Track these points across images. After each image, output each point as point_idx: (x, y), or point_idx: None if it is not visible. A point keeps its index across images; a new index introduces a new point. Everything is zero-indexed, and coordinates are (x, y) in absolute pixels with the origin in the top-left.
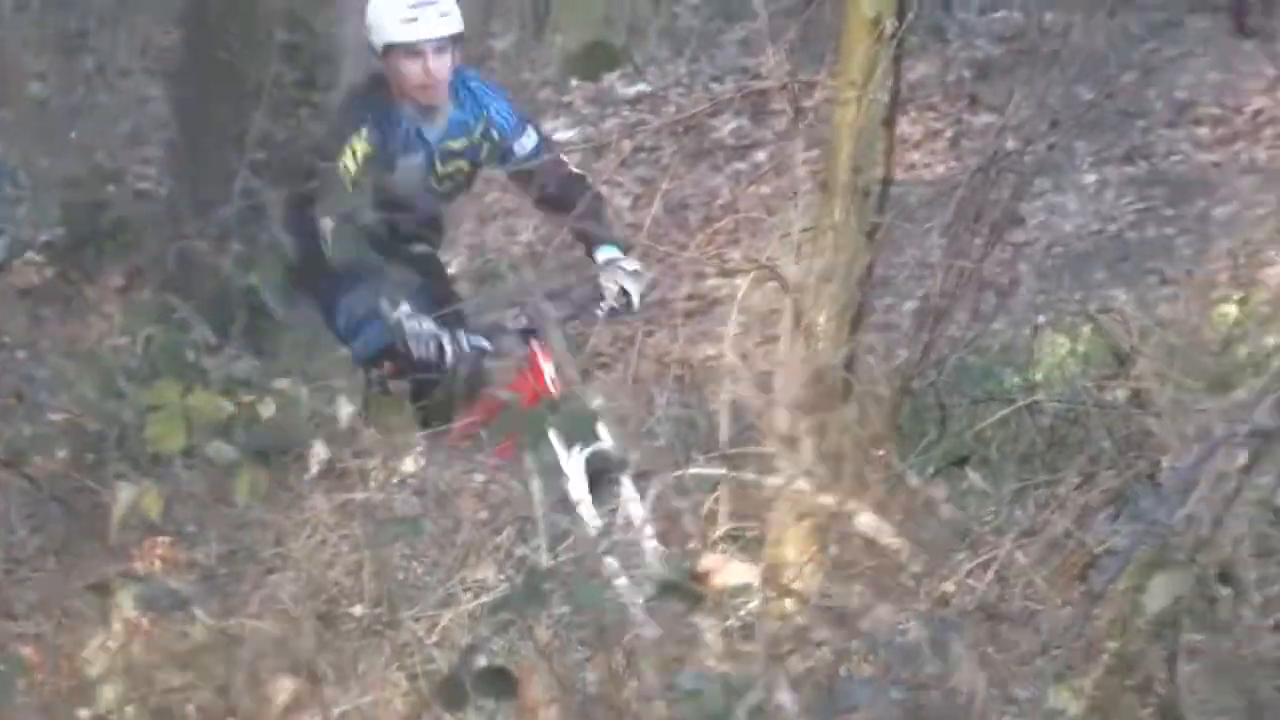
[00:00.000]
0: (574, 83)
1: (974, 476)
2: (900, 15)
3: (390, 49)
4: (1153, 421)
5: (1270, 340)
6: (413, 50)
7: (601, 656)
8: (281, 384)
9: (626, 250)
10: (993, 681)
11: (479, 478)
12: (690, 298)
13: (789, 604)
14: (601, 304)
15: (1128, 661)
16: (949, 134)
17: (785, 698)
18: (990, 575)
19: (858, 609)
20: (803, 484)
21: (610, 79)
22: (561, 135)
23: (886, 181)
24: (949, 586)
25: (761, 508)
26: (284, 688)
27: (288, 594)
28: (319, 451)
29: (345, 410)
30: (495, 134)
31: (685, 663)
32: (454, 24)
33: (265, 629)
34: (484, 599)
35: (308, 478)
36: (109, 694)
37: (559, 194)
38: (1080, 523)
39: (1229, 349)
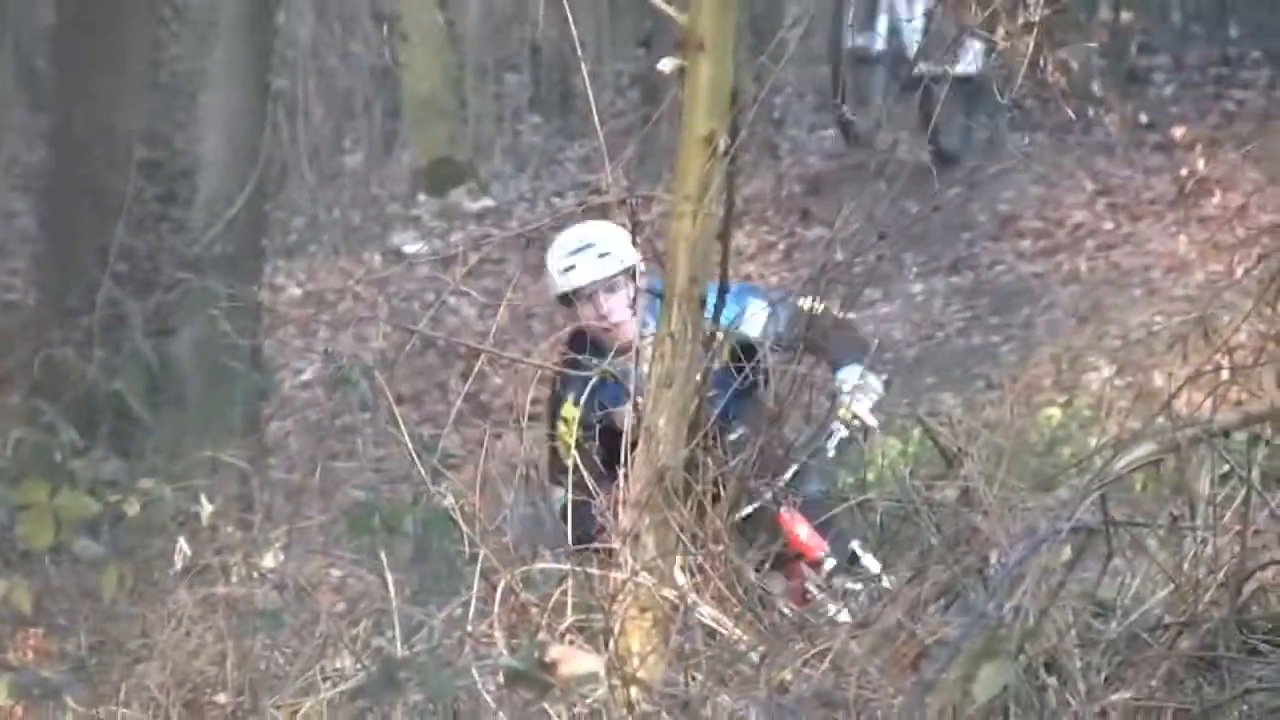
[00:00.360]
0: (421, 197)
1: (809, 572)
2: (733, 133)
3: (563, 298)
4: (980, 519)
5: (1092, 441)
6: (584, 295)
7: None
8: (146, 484)
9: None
10: None
11: (336, 572)
12: (535, 402)
13: (634, 692)
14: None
15: None
16: (782, 246)
17: None
18: (826, 664)
19: (699, 696)
20: (645, 578)
21: (456, 194)
22: (410, 248)
23: (722, 292)
24: (787, 675)
25: (607, 600)
26: None
27: (155, 683)
28: (182, 548)
29: (206, 509)
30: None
31: None
32: (617, 262)
33: (133, 716)
34: (342, 687)
35: (172, 572)
36: None
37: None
38: (912, 615)
39: (1053, 450)
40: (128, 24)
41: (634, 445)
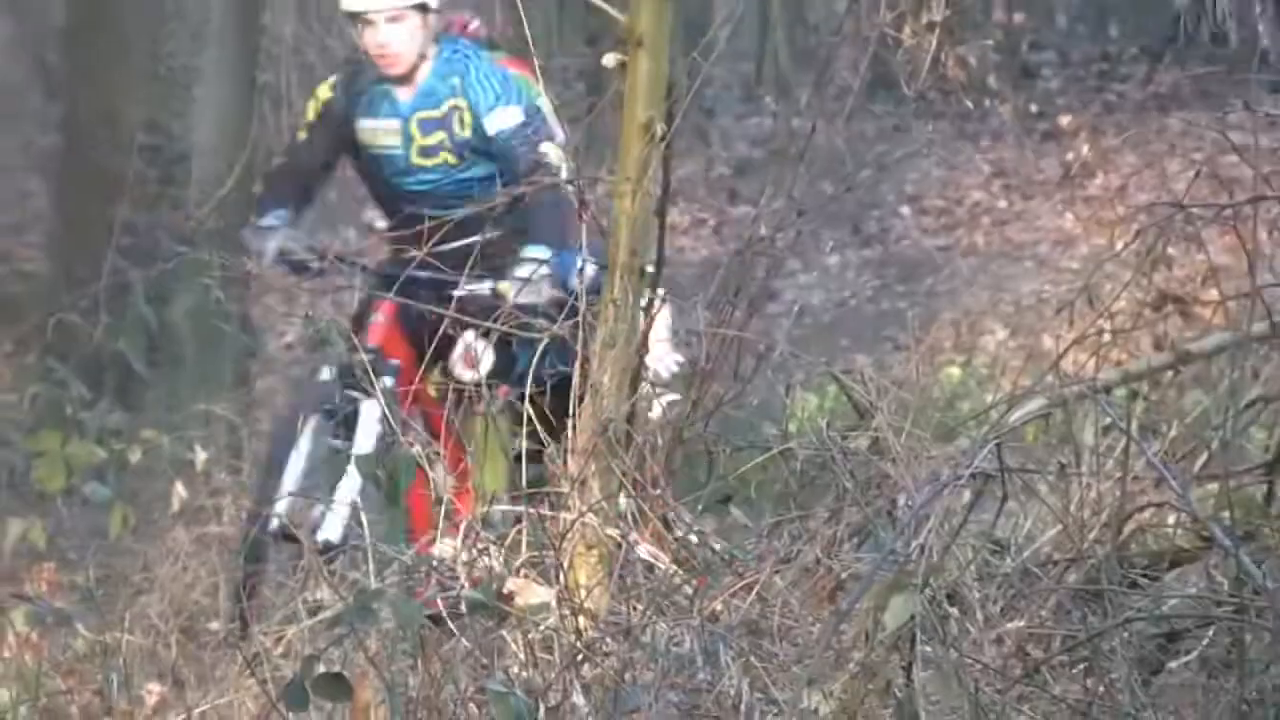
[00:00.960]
0: None
1: (737, 513)
2: (669, 120)
3: (350, 18)
4: (889, 466)
5: (988, 397)
6: (365, 19)
7: (422, 665)
8: (147, 434)
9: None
10: (756, 686)
11: (317, 511)
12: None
13: (581, 620)
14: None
15: (871, 669)
16: (712, 222)
17: (579, 700)
18: (752, 596)
19: (640, 624)
20: (591, 519)
21: None
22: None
23: (659, 263)
24: (718, 605)
25: (557, 539)
26: (153, 691)
27: (155, 612)
28: (179, 491)
29: (200, 456)
30: (467, 101)
31: (494, 670)
32: None
33: (136, 642)
34: (322, 616)
35: (170, 513)
36: (4, 696)
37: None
38: (829, 552)
39: (953, 405)
40: (131, 23)
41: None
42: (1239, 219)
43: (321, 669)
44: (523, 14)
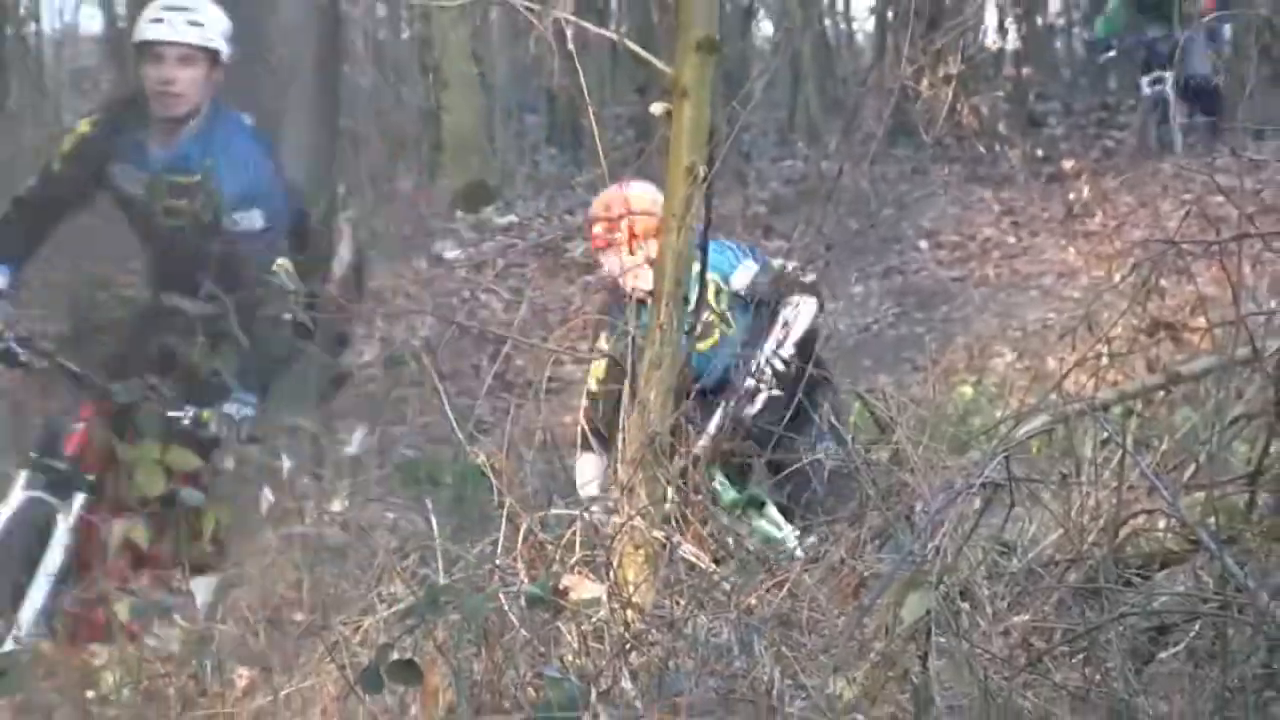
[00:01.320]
0: (458, 214)
1: (772, 515)
2: (710, 163)
3: (139, 49)
4: (908, 476)
5: (997, 413)
6: (155, 53)
7: (485, 653)
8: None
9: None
10: (786, 673)
11: (390, 515)
12: (551, 379)
13: (629, 613)
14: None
15: (890, 659)
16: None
17: (626, 685)
18: (783, 592)
19: (682, 617)
20: (639, 522)
21: (487, 211)
22: (449, 254)
23: (701, 292)
24: (752, 600)
25: (607, 540)
26: (242, 675)
27: (245, 604)
28: (267, 495)
29: (286, 464)
30: (218, 185)
31: (550, 657)
32: (205, 36)
33: (229, 631)
34: (395, 608)
35: (259, 516)
36: (110, 679)
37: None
38: (853, 553)
39: (966, 420)
40: (229, 75)
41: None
42: (1225, 254)
43: (394, 656)
44: (578, 66)
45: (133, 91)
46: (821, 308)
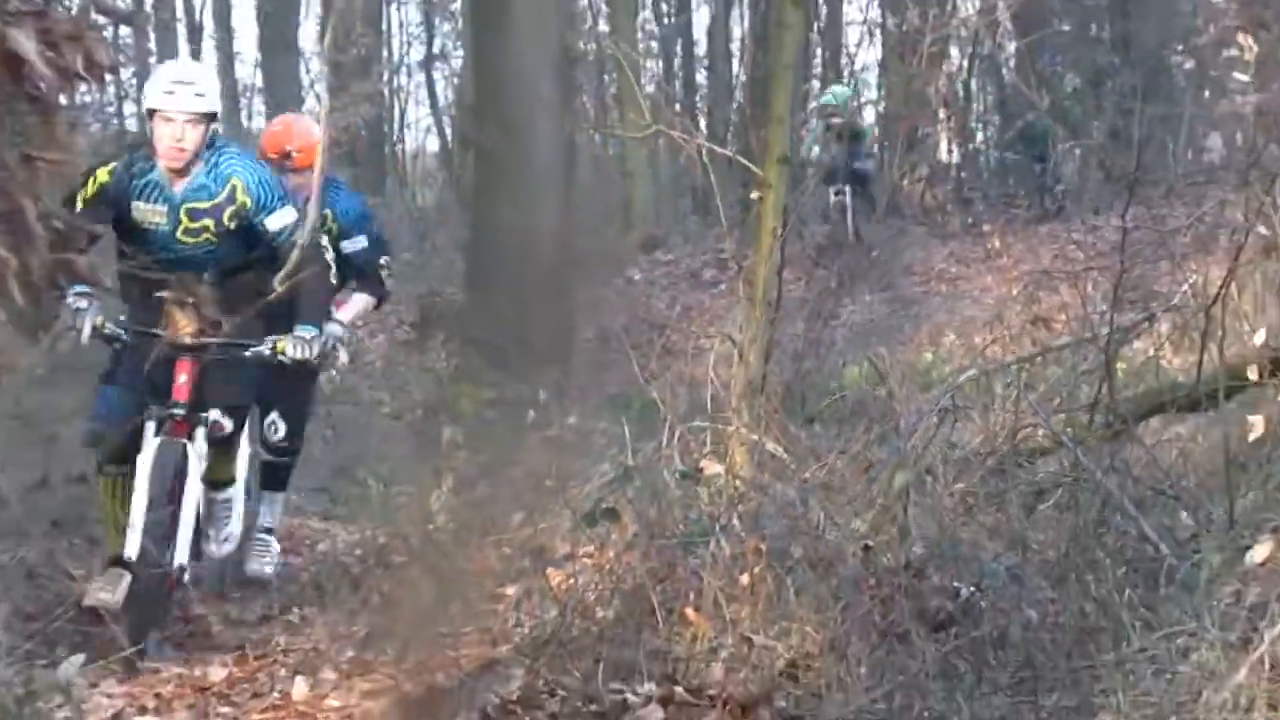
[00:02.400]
0: (641, 254)
1: (818, 429)
2: (784, 226)
3: (151, 114)
4: (896, 404)
5: (947, 369)
6: (166, 117)
7: (653, 506)
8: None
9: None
10: (827, 516)
11: (602, 425)
12: (694, 348)
13: (737, 482)
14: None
15: (887, 508)
16: (804, 280)
17: (735, 523)
18: (825, 470)
19: (767, 483)
20: (743, 429)
21: (657, 253)
22: (636, 277)
23: (778, 298)
24: (806, 475)
25: (724, 439)
26: (518, 516)
27: (518, 475)
28: (531, 414)
29: (542, 395)
30: (243, 199)
31: (692, 507)
32: (207, 104)
33: (509, 490)
34: (602, 480)
35: (527, 425)
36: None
37: (357, 280)
38: (864, 447)
39: (929, 372)
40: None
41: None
42: (1076, 278)
43: (603, 505)
44: (710, 168)
45: (140, 141)
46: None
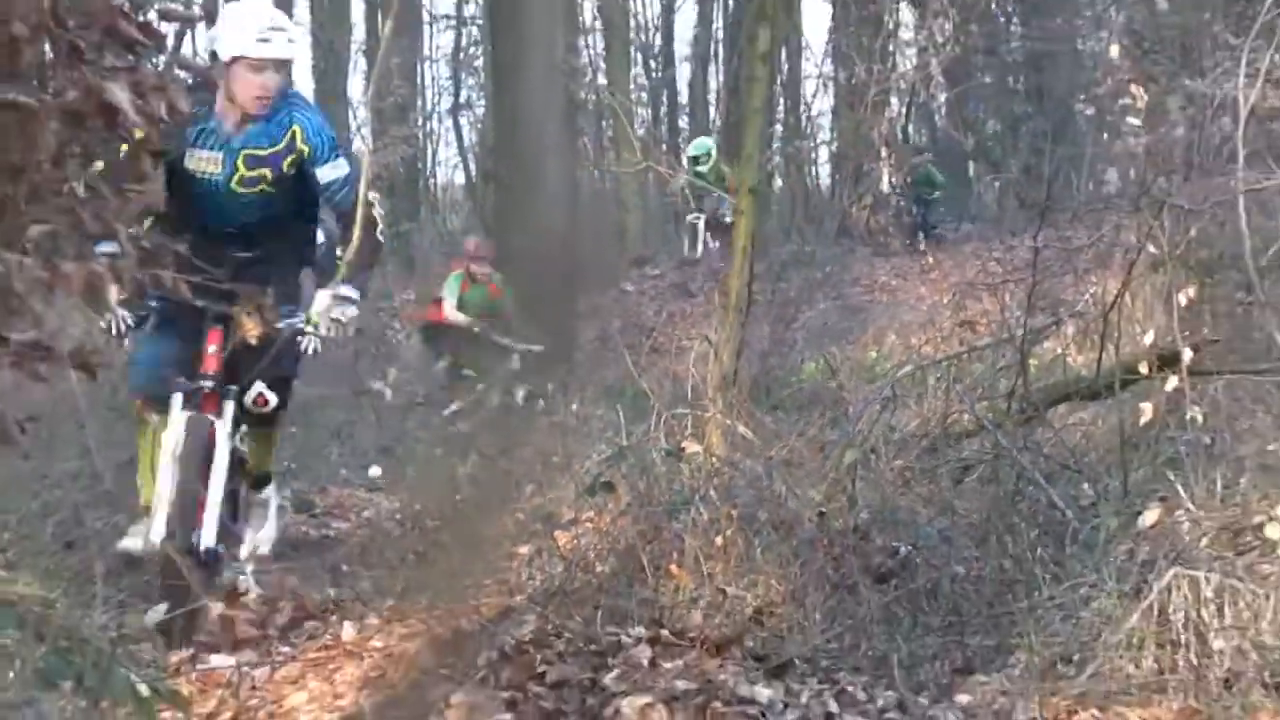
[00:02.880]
0: (633, 269)
1: (780, 414)
2: (753, 247)
3: (236, 60)
4: (845, 394)
5: (888, 365)
6: (254, 65)
7: (642, 479)
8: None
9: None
10: (788, 488)
11: (599, 412)
12: (677, 348)
13: (713, 459)
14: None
15: (838, 481)
16: (771, 290)
17: (711, 493)
18: (786, 449)
19: (738, 460)
20: (718, 415)
21: (647, 268)
22: (629, 288)
23: (749, 305)
24: (771, 453)
25: (702, 423)
26: (530, 487)
27: (529, 453)
28: (540, 402)
29: (550, 386)
30: (301, 147)
31: (675, 480)
32: (294, 50)
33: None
34: (598, 458)
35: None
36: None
37: (346, 225)
38: (820, 431)
39: (873, 368)
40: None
41: None
42: (996, 289)
43: (602, 479)
44: (691, 198)
45: (197, 86)
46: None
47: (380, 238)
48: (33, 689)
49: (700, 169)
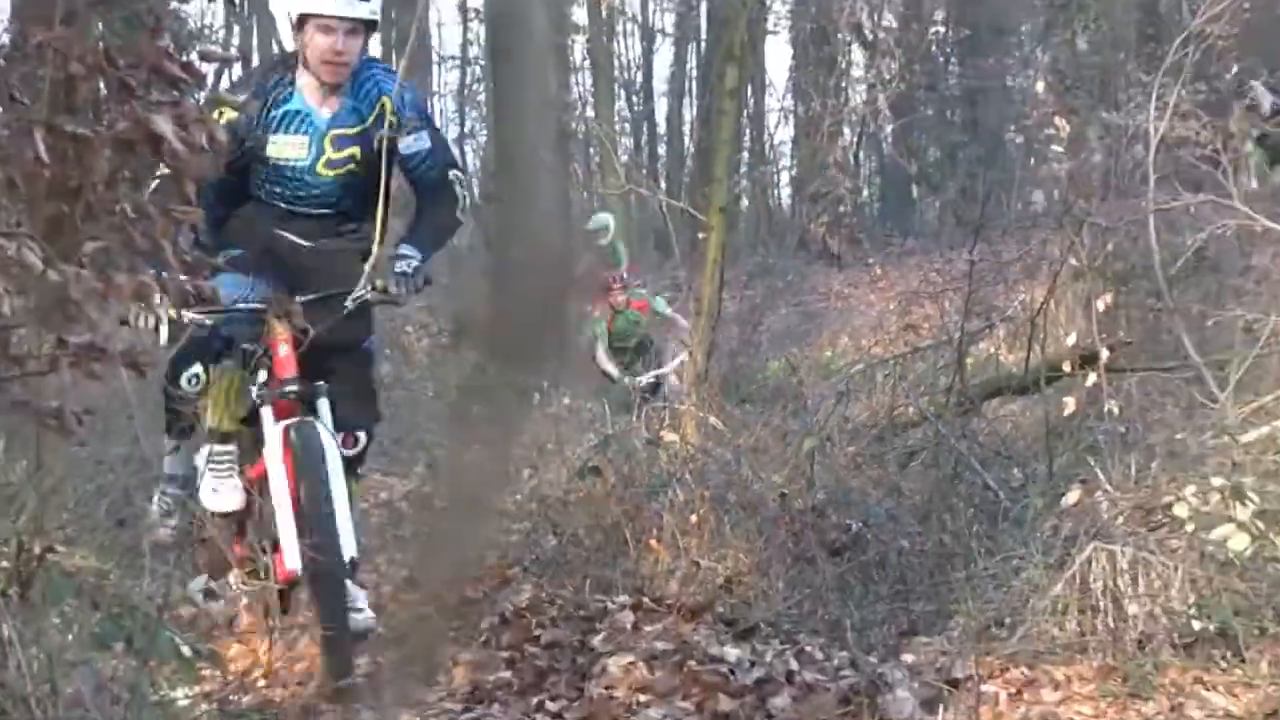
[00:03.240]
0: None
1: (748, 407)
2: (722, 257)
3: (305, 19)
4: (804, 389)
5: (842, 364)
6: (325, 25)
7: (626, 464)
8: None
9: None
10: (754, 472)
11: (589, 406)
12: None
13: (688, 446)
14: (358, 294)
15: (798, 466)
16: (738, 297)
17: (687, 476)
18: (754, 437)
19: (710, 448)
20: (692, 408)
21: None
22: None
23: (719, 311)
24: (739, 441)
25: (679, 415)
26: (527, 472)
27: (527, 441)
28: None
29: (545, 383)
30: (391, 120)
31: (654, 465)
32: (369, 10)
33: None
34: (589, 446)
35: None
36: None
37: (427, 198)
38: (782, 421)
39: (828, 366)
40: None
41: None
42: (937, 296)
43: (591, 464)
44: (667, 215)
45: (281, 57)
46: None
47: (460, 216)
48: (88, 650)
49: (600, 243)
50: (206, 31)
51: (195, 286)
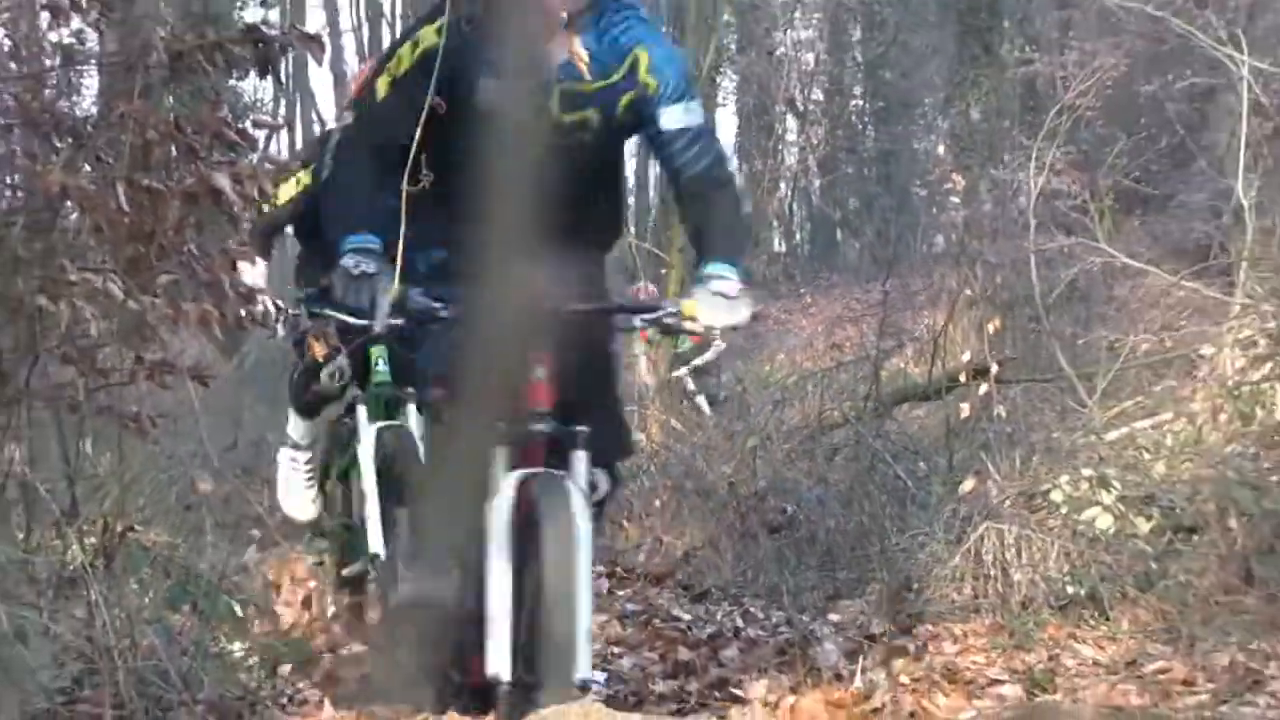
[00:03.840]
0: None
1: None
2: (682, 289)
3: None
4: (748, 396)
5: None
6: None
7: None
8: None
9: (740, 272)
10: (708, 465)
11: None
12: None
13: (653, 442)
14: (649, 316)
15: (744, 459)
16: None
17: (652, 468)
18: (707, 435)
19: (671, 445)
20: (655, 410)
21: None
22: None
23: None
24: (694, 439)
25: (646, 417)
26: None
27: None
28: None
29: None
30: (646, 79)
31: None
32: None
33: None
34: None
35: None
36: None
37: (698, 189)
38: (730, 423)
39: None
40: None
41: None
42: (857, 321)
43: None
44: (634, 252)
45: None
46: None
47: (746, 218)
48: (161, 611)
49: None
50: (258, 103)
51: (250, 314)
